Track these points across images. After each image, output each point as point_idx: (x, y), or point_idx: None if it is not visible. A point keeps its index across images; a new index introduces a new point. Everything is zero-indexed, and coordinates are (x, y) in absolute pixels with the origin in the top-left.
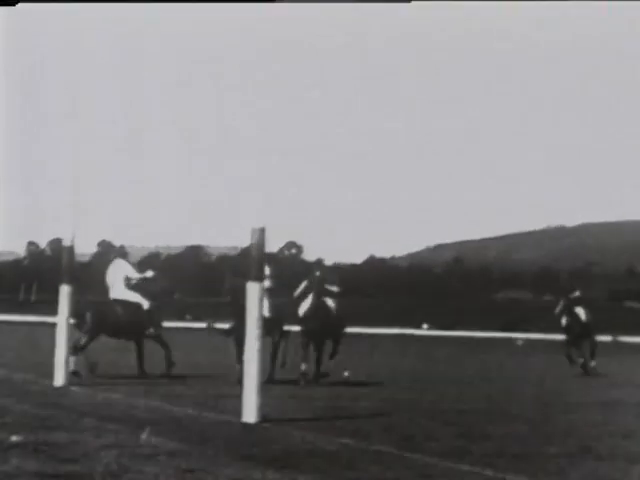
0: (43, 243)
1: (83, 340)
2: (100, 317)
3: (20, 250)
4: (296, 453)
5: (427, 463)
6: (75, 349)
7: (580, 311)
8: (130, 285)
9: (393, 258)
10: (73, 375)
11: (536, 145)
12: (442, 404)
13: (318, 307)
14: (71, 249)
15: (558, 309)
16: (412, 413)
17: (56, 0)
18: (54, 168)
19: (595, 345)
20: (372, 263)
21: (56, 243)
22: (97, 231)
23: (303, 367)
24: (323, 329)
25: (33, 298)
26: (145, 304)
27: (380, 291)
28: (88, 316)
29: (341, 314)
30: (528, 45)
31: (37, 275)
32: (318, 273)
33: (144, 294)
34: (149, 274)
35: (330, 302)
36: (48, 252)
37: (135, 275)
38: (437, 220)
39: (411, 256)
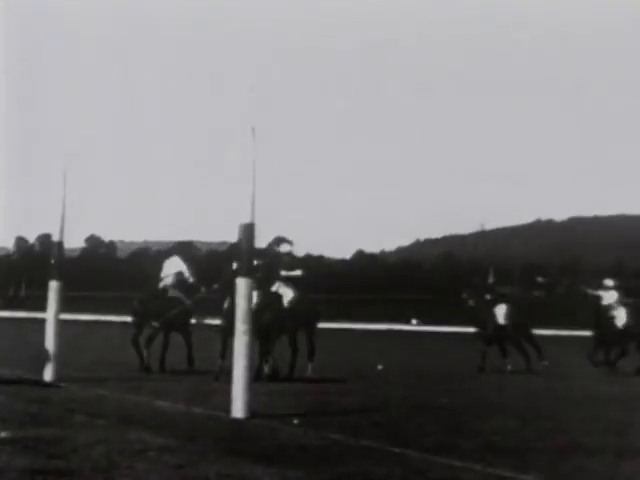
0: (32, 238)
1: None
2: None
3: (9, 245)
4: (285, 449)
5: (417, 458)
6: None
7: (500, 311)
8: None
9: (382, 253)
10: (146, 370)
11: (523, 139)
12: (432, 399)
13: (270, 299)
14: (60, 244)
15: (471, 303)
16: (401, 408)
17: None
18: (43, 163)
19: (521, 346)
20: (361, 258)
21: (45, 238)
22: (86, 226)
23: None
24: (276, 323)
25: (22, 293)
26: (187, 301)
27: (369, 286)
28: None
29: (302, 305)
30: (516, 37)
31: (26, 271)
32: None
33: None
34: (203, 291)
35: (288, 292)
36: (37, 247)
37: (188, 276)
38: (426, 215)
39: (400, 251)
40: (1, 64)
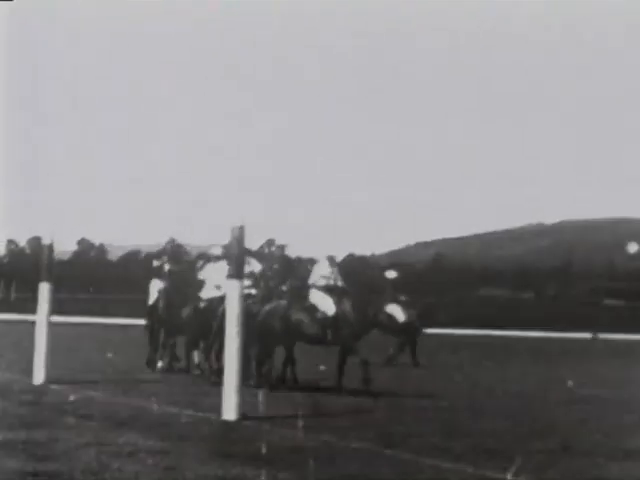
0: (23, 241)
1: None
2: None
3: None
4: (276, 450)
5: (407, 460)
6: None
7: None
8: None
9: (373, 256)
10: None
11: (515, 143)
12: (422, 401)
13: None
14: (50, 247)
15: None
16: (392, 410)
17: None
18: (35, 167)
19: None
20: (352, 261)
21: (35, 241)
22: (77, 229)
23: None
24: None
25: (13, 296)
26: None
27: None
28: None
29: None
30: (509, 41)
31: (17, 273)
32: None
33: None
34: None
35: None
36: (27, 250)
37: None
38: (417, 218)
39: (391, 254)
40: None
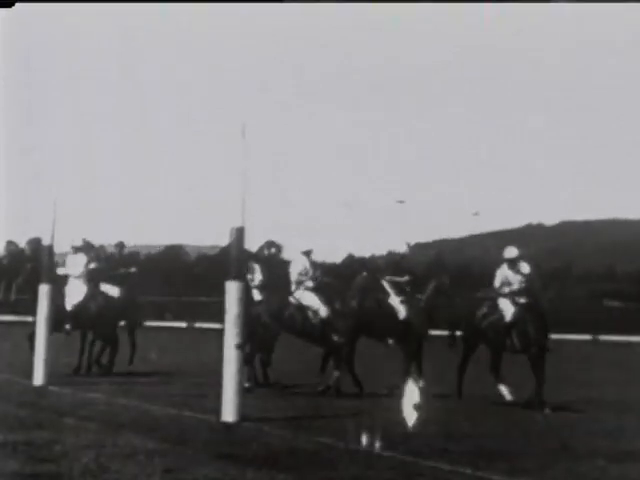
0: (22, 242)
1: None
2: None
3: None
4: (275, 452)
5: (407, 462)
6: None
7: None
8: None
9: (372, 257)
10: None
11: (514, 144)
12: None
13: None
14: (50, 248)
15: None
16: (391, 412)
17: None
18: (34, 167)
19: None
20: (351, 262)
21: (35, 242)
22: (76, 230)
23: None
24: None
25: (12, 297)
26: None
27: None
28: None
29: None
30: (513, 48)
31: (16, 274)
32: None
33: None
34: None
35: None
36: (27, 252)
37: None
38: (417, 219)
39: (390, 255)
40: None
